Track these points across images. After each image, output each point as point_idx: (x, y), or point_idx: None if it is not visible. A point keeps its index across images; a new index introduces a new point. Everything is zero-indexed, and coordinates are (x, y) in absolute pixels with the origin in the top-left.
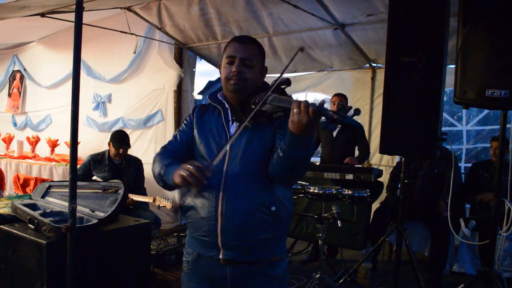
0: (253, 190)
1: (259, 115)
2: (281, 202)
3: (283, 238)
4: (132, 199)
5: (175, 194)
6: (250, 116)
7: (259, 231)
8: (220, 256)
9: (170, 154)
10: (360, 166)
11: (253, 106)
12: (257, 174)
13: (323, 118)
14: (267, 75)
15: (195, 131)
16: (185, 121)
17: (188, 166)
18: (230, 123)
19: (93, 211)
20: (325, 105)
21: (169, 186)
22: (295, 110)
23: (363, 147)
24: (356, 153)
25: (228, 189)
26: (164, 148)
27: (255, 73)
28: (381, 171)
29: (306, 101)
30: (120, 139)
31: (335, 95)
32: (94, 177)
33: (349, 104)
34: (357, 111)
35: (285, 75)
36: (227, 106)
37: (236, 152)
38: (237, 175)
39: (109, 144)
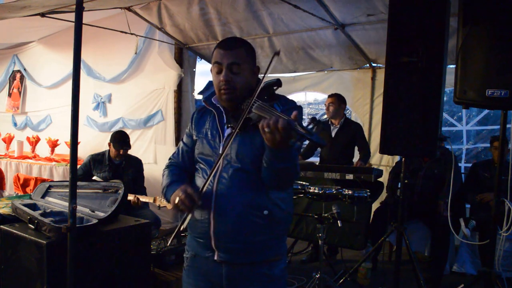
0: (245, 194)
1: (247, 121)
2: (276, 204)
3: (281, 239)
4: (137, 198)
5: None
6: (237, 127)
7: (252, 234)
8: (215, 258)
9: (175, 169)
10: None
11: (241, 111)
12: (250, 178)
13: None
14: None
15: (194, 136)
16: (186, 130)
17: (180, 193)
18: (225, 126)
19: (93, 211)
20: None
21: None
22: (265, 130)
23: (363, 146)
24: (356, 152)
25: (220, 192)
26: (170, 161)
27: (246, 77)
28: (381, 171)
29: (275, 119)
30: (120, 140)
31: (329, 96)
32: (94, 177)
33: (348, 104)
34: (317, 123)
35: (286, 75)
36: (221, 109)
37: (229, 156)
38: (229, 179)
39: (109, 145)
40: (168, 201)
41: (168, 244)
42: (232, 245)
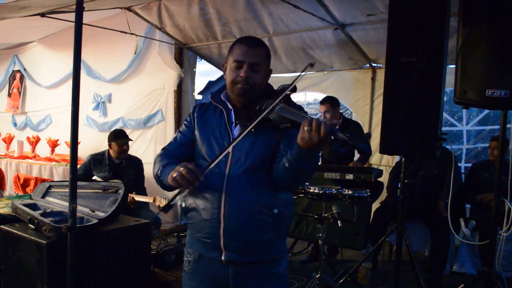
0: (255, 193)
1: (264, 121)
2: (283, 204)
3: (283, 238)
4: (133, 198)
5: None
6: (254, 123)
7: (261, 232)
8: (222, 258)
9: (170, 155)
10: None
11: (258, 110)
12: (260, 177)
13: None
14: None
15: (196, 131)
16: (185, 122)
17: (181, 168)
18: (233, 125)
19: (93, 211)
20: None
21: (166, 187)
22: (306, 128)
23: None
24: (357, 154)
25: (230, 191)
26: (164, 150)
27: (262, 77)
28: (381, 171)
29: (317, 120)
30: (120, 135)
31: (321, 102)
32: (94, 177)
33: (348, 105)
34: (368, 135)
35: (285, 75)
36: (230, 107)
37: (239, 155)
38: (240, 177)
39: (109, 145)
40: (164, 183)
41: (160, 208)
42: (240, 244)
